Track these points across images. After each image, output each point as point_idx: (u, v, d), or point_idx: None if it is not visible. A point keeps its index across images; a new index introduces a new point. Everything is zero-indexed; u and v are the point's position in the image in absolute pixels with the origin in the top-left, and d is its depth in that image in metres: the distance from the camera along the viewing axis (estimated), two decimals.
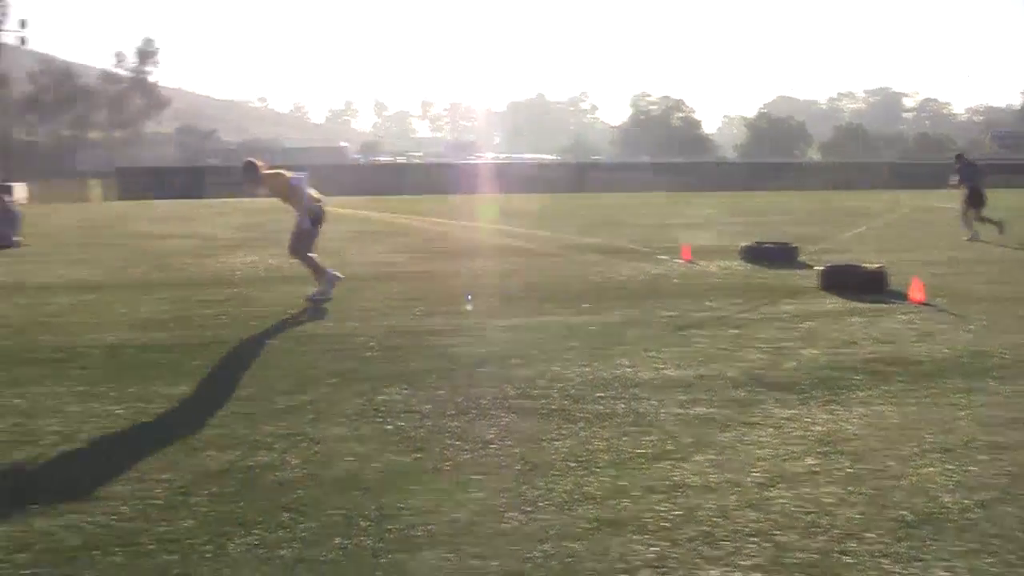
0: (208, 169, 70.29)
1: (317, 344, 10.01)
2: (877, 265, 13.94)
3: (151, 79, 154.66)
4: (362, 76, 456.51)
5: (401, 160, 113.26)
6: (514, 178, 64.13)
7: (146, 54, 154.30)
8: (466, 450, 6.47)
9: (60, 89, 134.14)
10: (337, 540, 5.01)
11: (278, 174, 12.70)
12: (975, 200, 22.00)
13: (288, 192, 12.58)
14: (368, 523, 5.23)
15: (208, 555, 4.84)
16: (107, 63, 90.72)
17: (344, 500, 5.56)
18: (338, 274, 12.81)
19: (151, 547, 4.94)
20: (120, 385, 8.33)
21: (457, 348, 9.73)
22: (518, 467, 6.13)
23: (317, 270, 12.72)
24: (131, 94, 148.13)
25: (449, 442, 6.65)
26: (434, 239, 21.74)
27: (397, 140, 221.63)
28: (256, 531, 5.13)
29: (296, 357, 9.39)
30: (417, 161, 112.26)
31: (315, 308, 12.16)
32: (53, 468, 6.26)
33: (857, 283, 13.30)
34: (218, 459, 6.32)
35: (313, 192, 12.70)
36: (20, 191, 50.26)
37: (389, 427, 7.02)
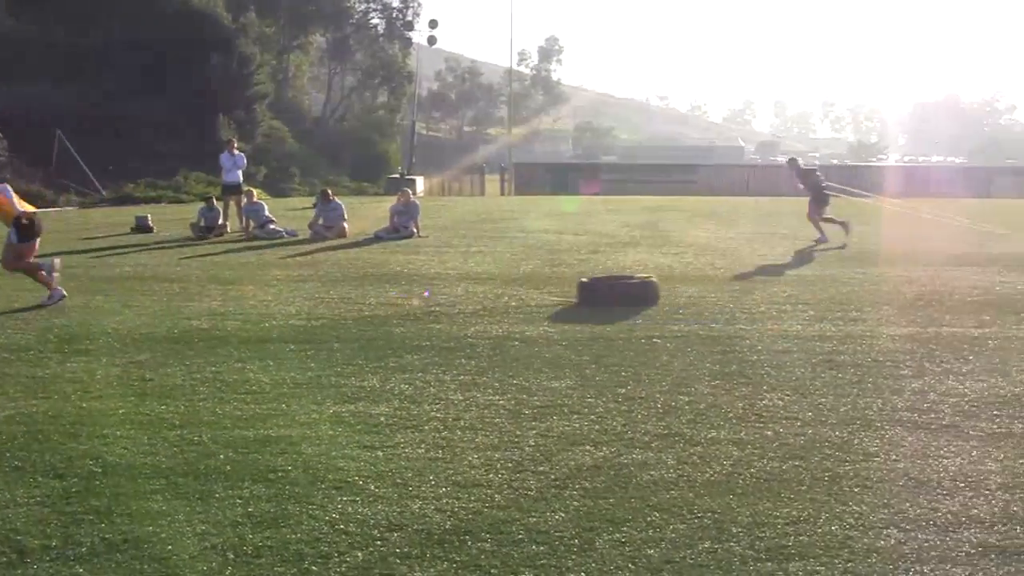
0: (603, 166, 71.55)
1: (702, 345, 9.95)
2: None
3: (553, 77, 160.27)
4: (764, 75, 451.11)
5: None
6: (919, 181, 61.20)
7: (549, 52, 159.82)
8: (847, 461, 6.26)
9: (464, 86, 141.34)
10: (707, 544, 4.96)
11: None
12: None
13: None
14: (739, 529, 5.15)
15: (576, 549, 4.91)
16: (511, 61, 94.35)
17: (716, 503, 5.50)
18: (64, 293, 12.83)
19: (520, 536, 5.07)
20: (504, 376, 8.62)
21: (844, 356, 9.40)
22: (901, 483, 5.87)
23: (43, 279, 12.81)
24: (532, 91, 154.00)
25: (829, 452, 6.46)
26: (830, 243, 21.12)
27: (796, 141, 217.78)
28: (625, 528, 5.16)
29: (680, 357, 9.38)
30: (817, 163, 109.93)
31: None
32: (430, 453, 6.52)
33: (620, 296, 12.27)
34: (593, 454, 6.42)
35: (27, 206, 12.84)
36: (419, 184, 52.92)
37: (768, 433, 6.90)
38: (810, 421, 7.17)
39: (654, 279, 13.06)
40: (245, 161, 26.43)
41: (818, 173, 22.03)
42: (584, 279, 13.20)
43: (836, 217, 21.01)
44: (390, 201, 26.46)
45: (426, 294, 13.12)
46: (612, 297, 12.33)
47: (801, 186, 21.95)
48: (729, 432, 6.91)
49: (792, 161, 22.92)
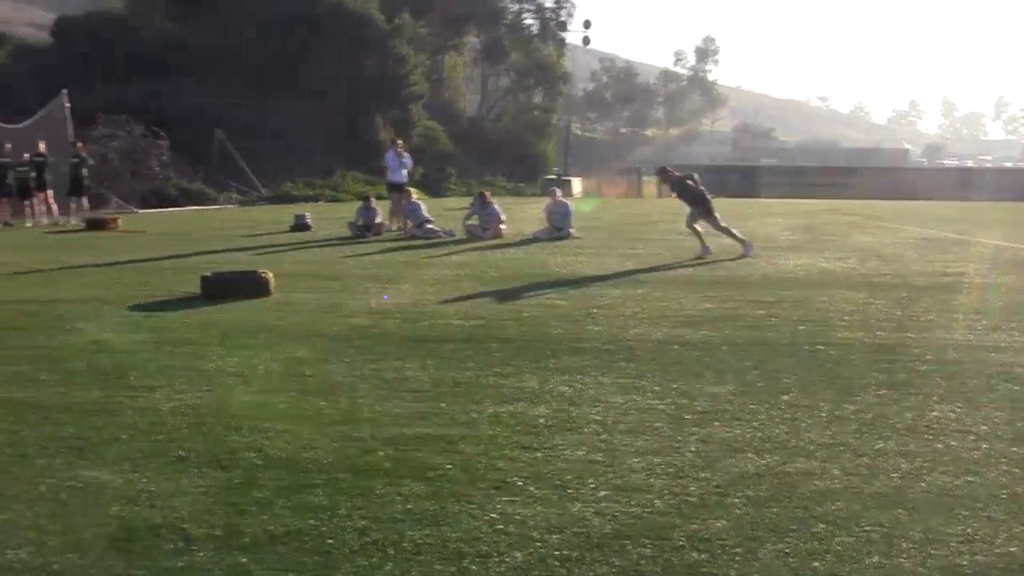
0: (763, 169, 70.49)
1: (867, 353, 9.67)
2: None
3: (710, 77, 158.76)
4: (930, 75, 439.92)
5: (969, 164, 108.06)
6: None
7: (705, 53, 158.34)
8: None
9: (620, 87, 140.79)
10: (875, 559, 4.79)
11: None
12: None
13: None
14: (910, 545, 4.95)
15: (738, 558, 4.79)
16: (667, 62, 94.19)
17: (885, 517, 5.30)
18: None
19: (681, 543, 4.97)
20: (664, 380, 8.49)
21: (1022, 368, 9.01)
22: None
23: None
24: (689, 92, 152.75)
25: (1006, 468, 6.17)
26: (1004, 250, 20.42)
27: (965, 144, 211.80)
28: (789, 539, 5.01)
29: (845, 365, 9.13)
30: (988, 165, 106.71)
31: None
32: (590, 456, 6.44)
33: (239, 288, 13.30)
34: (756, 462, 6.27)
35: None
36: (575, 185, 52.81)
37: (939, 446, 6.63)
38: (985, 435, 6.88)
39: (269, 274, 13.84)
40: (411, 160, 26.63)
41: (689, 182, 19.42)
42: (206, 274, 13.89)
43: (735, 231, 19.49)
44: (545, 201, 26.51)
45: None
46: (228, 289, 13.31)
47: (674, 194, 20.29)
48: (897, 444, 6.67)
49: (662, 170, 21.06)
